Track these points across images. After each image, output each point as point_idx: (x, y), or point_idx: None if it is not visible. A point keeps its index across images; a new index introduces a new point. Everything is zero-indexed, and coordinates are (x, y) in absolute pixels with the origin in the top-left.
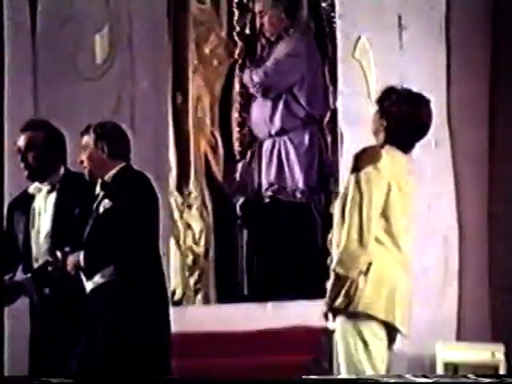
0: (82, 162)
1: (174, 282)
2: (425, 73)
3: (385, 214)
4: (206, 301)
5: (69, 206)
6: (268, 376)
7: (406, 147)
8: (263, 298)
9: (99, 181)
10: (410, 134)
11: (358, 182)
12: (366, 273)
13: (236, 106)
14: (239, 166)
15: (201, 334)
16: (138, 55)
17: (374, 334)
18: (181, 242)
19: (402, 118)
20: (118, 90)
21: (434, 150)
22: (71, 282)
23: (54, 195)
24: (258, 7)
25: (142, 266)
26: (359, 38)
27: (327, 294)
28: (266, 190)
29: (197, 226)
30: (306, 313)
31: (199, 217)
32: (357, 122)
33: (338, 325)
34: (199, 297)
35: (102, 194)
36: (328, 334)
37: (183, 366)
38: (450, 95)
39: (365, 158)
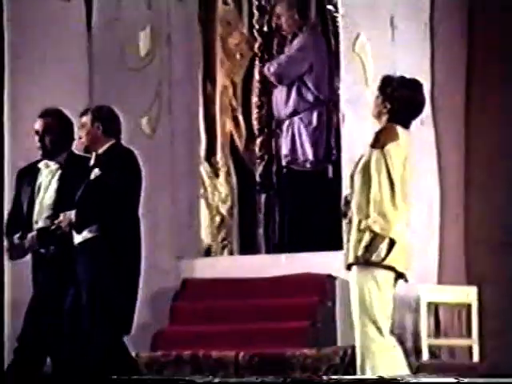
0: (80, 137)
1: (205, 237)
2: (413, 63)
3: (401, 181)
4: (231, 253)
5: (71, 181)
6: (280, 316)
7: (407, 124)
8: (278, 250)
9: (93, 154)
10: (410, 112)
11: (384, 157)
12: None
13: (255, 91)
14: (258, 141)
15: (226, 279)
16: (174, 50)
17: (387, 280)
18: (210, 203)
19: (403, 100)
20: (158, 78)
21: (420, 127)
22: (67, 238)
23: (59, 172)
24: (277, 10)
25: (121, 226)
26: (358, 34)
27: (361, 249)
28: (282, 160)
29: (223, 190)
30: (313, 263)
31: (225, 183)
32: (356, 105)
33: (354, 274)
34: (225, 249)
35: (93, 164)
36: (332, 280)
37: (214, 306)
38: (433, 81)
39: (387, 136)
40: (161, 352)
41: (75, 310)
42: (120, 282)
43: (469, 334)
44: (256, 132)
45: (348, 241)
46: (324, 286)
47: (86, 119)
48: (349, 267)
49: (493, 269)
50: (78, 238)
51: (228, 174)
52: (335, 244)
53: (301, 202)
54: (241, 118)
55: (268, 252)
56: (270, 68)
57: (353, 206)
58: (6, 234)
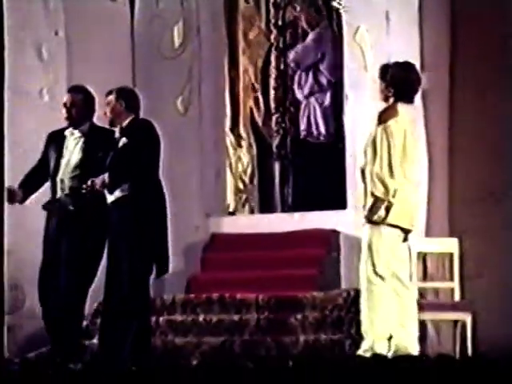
0: (105, 113)
1: (230, 199)
2: (405, 51)
3: (403, 154)
4: (252, 212)
5: (93, 147)
6: (293, 265)
7: (411, 100)
8: (291, 209)
9: (118, 127)
10: (410, 90)
11: (385, 132)
12: (394, 195)
13: (272, 76)
14: (274, 117)
15: (248, 234)
16: (203, 41)
17: (392, 236)
18: (233, 170)
19: (402, 81)
20: (189, 65)
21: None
22: (98, 199)
23: (82, 139)
24: (297, 9)
25: (147, 185)
26: (358, 27)
27: (366, 211)
28: (300, 134)
29: (245, 159)
30: (321, 220)
31: (246, 152)
32: (357, 87)
33: (366, 230)
34: (246, 209)
35: (119, 135)
36: (336, 234)
37: (237, 256)
38: (422, 66)
39: (387, 114)
40: (193, 295)
41: (112, 261)
42: (151, 228)
43: (451, 278)
44: (273, 110)
45: (365, 204)
46: (330, 239)
47: (110, 97)
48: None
49: (471, 223)
50: (110, 198)
51: (249, 145)
52: (340, 204)
53: (312, 169)
54: (260, 98)
55: (283, 211)
56: (290, 56)
57: (367, 175)
58: (21, 184)
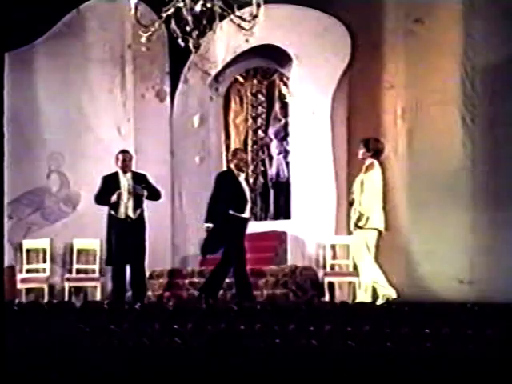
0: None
1: None
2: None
3: (378, 190)
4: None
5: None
6: (261, 250)
7: (379, 158)
8: (260, 220)
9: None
10: (379, 154)
11: (367, 178)
12: (370, 214)
13: (249, 143)
14: (250, 167)
15: None
16: (211, 125)
17: (373, 236)
18: None
19: (375, 149)
20: (202, 138)
21: (313, 115)
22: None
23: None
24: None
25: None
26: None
27: (353, 221)
28: (267, 177)
29: None
30: (276, 225)
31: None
32: (300, 151)
33: (355, 233)
34: None
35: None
36: (285, 234)
37: None
38: (334, 96)
39: (369, 167)
40: (204, 267)
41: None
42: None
43: (347, 258)
44: (249, 163)
45: (350, 217)
46: (281, 237)
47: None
48: (352, 230)
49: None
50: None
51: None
52: (287, 216)
53: (272, 196)
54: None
55: (255, 220)
56: (271, 130)
57: (355, 203)
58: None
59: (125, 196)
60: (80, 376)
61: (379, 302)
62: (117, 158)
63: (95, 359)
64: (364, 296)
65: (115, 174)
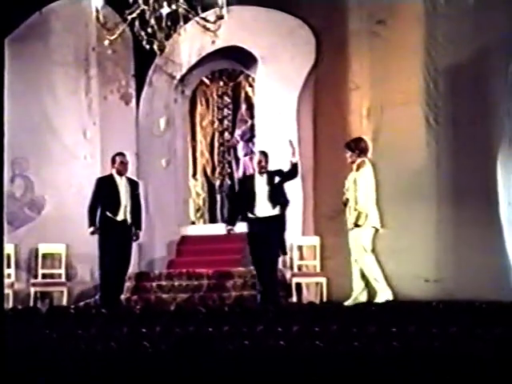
0: (259, 162)
1: (192, 215)
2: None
3: (371, 186)
4: (204, 222)
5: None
6: (228, 252)
7: (366, 155)
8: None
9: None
10: (365, 152)
11: (360, 176)
12: (368, 211)
13: (216, 145)
14: (217, 170)
15: (202, 235)
16: (177, 127)
17: (370, 232)
18: (194, 199)
19: (360, 149)
20: (169, 141)
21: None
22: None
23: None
24: (231, 108)
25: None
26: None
27: (352, 220)
28: (233, 179)
29: (200, 192)
30: (243, 227)
31: (201, 189)
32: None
33: (354, 231)
34: (201, 221)
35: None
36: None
37: (196, 248)
38: (299, 103)
39: (360, 165)
40: (172, 270)
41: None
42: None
43: (315, 259)
44: (216, 165)
45: (347, 216)
46: (243, 244)
47: (259, 157)
48: (349, 229)
49: (326, 228)
50: (268, 213)
51: (202, 184)
52: None
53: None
54: (209, 158)
55: (222, 222)
56: (237, 132)
57: (350, 200)
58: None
59: (124, 199)
60: (48, 381)
61: (378, 300)
62: (113, 161)
63: (62, 365)
64: (383, 294)
65: (110, 177)
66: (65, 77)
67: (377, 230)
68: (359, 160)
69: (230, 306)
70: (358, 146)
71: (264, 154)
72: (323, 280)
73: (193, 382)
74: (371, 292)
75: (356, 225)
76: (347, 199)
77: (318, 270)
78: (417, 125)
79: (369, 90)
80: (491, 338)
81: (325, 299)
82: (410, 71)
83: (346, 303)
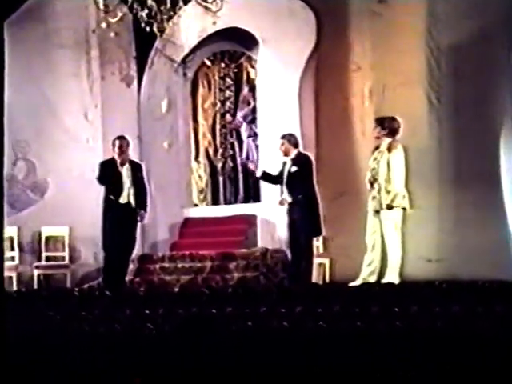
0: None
1: (195, 197)
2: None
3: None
4: (207, 204)
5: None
6: (232, 234)
7: (395, 136)
8: (230, 203)
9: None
10: (396, 132)
11: (392, 157)
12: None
13: (218, 127)
14: (219, 151)
15: (205, 217)
16: (179, 109)
17: (400, 214)
18: (197, 181)
19: (392, 128)
20: (171, 123)
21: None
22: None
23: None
24: (233, 90)
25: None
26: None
27: (387, 201)
28: (236, 161)
29: (203, 174)
30: (246, 209)
31: (203, 171)
32: (268, 136)
33: (385, 211)
34: (204, 203)
35: (291, 162)
36: (255, 217)
37: (199, 230)
38: (300, 92)
39: (392, 146)
40: (175, 252)
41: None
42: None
43: (317, 240)
44: (218, 147)
45: (374, 198)
46: (251, 220)
47: (283, 141)
48: (382, 209)
49: (330, 213)
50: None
51: (205, 166)
52: (257, 199)
53: (241, 180)
54: (211, 140)
55: (225, 204)
56: (239, 113)
57: (381, 181)
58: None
59: (127, 182)
60: (51, 363)
61: (385, 280)
62: (113, 145)
63: (67, 346)
64: (393, 276)
65: (112, 160)
66: (65, 59)
67: (404, 211)
68: (389, 140)
69: (233, 287)
70: (390, 125)
71: (284, 137)
72: (326, 261)
73: (196, 363)
74: (380, 274)
75: (390, 206)
76: (375, 179)
77: (321, 250)
78: (419, 105)
79: (370, 71)
80: (493, 316)
81: (328, 280)
82: (411, 51)
83: (353, 284)
